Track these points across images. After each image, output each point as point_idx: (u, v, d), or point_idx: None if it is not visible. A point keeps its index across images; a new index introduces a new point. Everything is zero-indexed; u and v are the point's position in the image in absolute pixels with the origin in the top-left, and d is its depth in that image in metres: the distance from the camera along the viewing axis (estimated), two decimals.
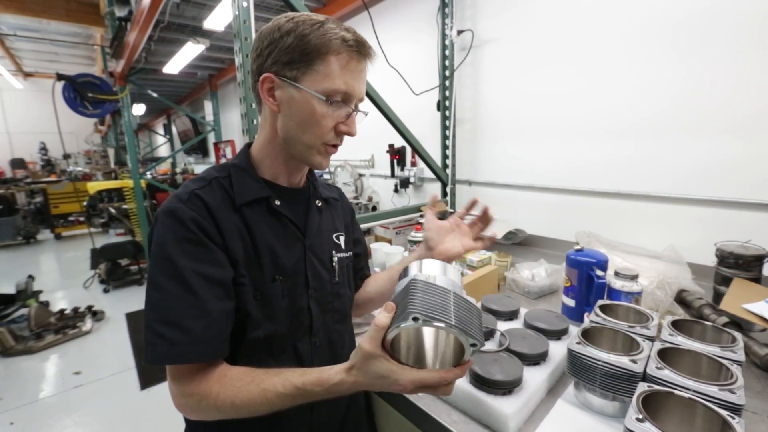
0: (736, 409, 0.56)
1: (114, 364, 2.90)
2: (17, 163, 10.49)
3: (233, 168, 0.74)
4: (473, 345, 0.50)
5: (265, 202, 0.74)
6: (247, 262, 0.69)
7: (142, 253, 4.63)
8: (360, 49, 0.67)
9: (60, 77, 3.95)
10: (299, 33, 0.65)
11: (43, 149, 10.86)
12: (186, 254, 0.62)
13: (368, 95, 1.71)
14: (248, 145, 0.80)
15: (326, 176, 3.42)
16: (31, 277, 3.72)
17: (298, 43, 0.65)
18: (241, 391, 0.60)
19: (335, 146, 0.73)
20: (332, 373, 0.58)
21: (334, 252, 0.84)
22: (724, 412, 0.54)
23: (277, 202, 0.74)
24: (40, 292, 3.72)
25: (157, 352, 0.59)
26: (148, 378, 2.68)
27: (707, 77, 1.32)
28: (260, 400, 0.59)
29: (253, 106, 1.31)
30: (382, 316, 0.53)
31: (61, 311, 3.51)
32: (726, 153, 1.31)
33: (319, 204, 0.85)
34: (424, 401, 0.78)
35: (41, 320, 3.30)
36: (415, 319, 0.49)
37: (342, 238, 0.89)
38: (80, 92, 4.10)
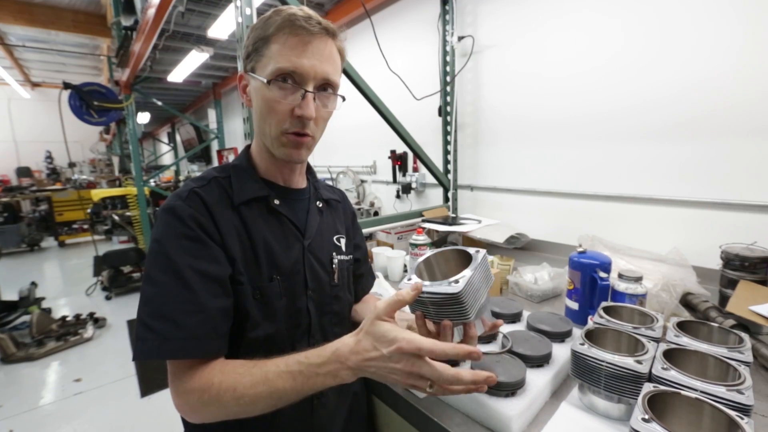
0: (744, 410, 0.55)
1: (115, 371, 2.88)
2: (23, 172, 10.58)
3: (233, 168, 0.75)
4: (477, 251, 0.67)
5: (263, 201, 0.74)
6: (245, 261, 0.69)
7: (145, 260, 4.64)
8: (303, 24, 0.62)
9: (66, 86, 4.00)
10: (258, 25, 0.67)
11: (49, 158, 10.97)
12: (183, 250, 0.62)
13: (370, 101, 1.72)
14: (249, 146, 0.81)
15: (328, 183, 3.43)
16: (33, 284, 3.72)
17: (253, 35, 0.67)
18: (243, 377, 0.58)
19: (298, 134, 0.68)
20: (336, 341, 0.59)
21: (334, 254, 0.84)
22: (732, 413, 0.53)
23: (276, 202, 0.74)
24: (42, 299, 3.72)
25: (149, 347, 0.57)
26: (148, 385, 2.66)
27: (715, 77, 1.31)
28: (262, 382, 0.57)
29: None
30: (405, 291, 0.57)
31: (63, 318, 3.50)
32: (730, 154, 1.31)
33: (320, 205, 0.85)
34: (424, 403, 0.77)
35: (43, 327, 3.30)
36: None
37: (343, 241, 0.88)
38: (86, 100, 4.15)
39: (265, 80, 0.64)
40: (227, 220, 0.68)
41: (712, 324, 0.80)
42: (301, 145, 0.70)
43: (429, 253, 0.72)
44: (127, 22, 3.25)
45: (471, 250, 0.69)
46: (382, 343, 0.53)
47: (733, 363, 0.65)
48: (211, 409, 0.59)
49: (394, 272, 1.54)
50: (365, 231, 1.82)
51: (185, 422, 0.74)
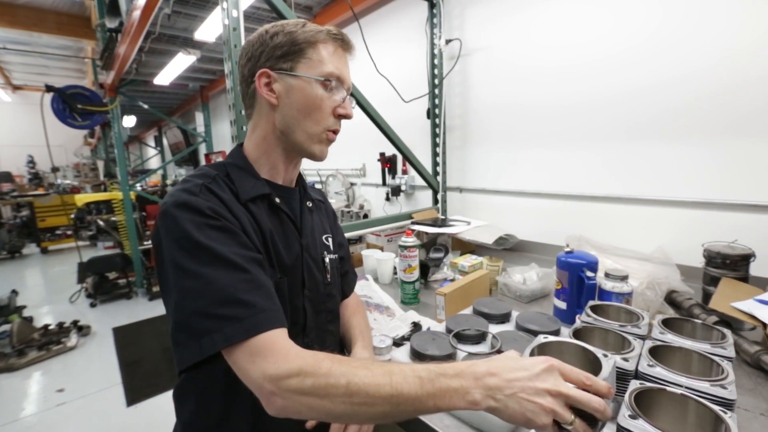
0: (728, 404, 0.56)
1: (99, 380, 2.81)
2: (4, 177, 10.26)
3: (230, 167, 0.73)
4: (605, 355, 0.60)
5: (266, 199, 0.74)
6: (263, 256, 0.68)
7: (131, 266, 4.54)
8: (344, 39, 0.75)
9: (49, 89, 3.91)
10: (287, 31, 0.71)
11: (31, 162, 10.70)
12: (216, 239, 0.59)
13: (359, 103, 1.72)
14: (240, 145, 0.79)
15: (318, 185, 3.41)
16: (14, 292, 3.62)
17: (288, 38, 0.70)
18: (358, 369, 0.51)
19: (335, 132, 0.76)
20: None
21: (325, 252, 0.85)
22: (716, 407, 0.53)
23: (278, 200, 0.75)
24: (23, 307, 3.61)
25: (226, 334, 0.53)
26: (135, 394, 2.60)
27: (699, 73, 1.34)
28: (385, 378, 0.50)
29: (243, 112, 1.31)
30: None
31: (46, 327, 3.40)
32: (710, 155, 1.34)
33: (310, 205, 0.86)
34: None
35: (24, 336, 3.20)
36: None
37: (330, 240, 0.90)
38: (69, 104, 4.07)
39: (321, 78, 0.70)
40: (243, 214, 0.67)
41: (696, 321, 0.82)
42: (332, 142, 0.77)
43: (547, 339, 0.68)
44: (111, 24, 3.20)
45: (599, 354, 0.60)
46: (529, 362, 0.50)
47: (716, 359, 0.66)
48: (308, 401, 0.50)
49: (384, 275, 1.54)
50: (355, 234, 1.82)
51: (176, 428, 0.73)
